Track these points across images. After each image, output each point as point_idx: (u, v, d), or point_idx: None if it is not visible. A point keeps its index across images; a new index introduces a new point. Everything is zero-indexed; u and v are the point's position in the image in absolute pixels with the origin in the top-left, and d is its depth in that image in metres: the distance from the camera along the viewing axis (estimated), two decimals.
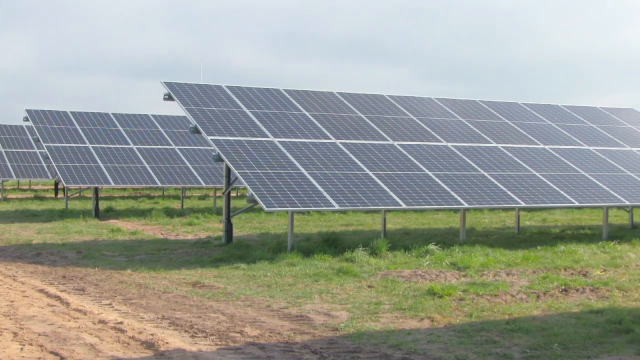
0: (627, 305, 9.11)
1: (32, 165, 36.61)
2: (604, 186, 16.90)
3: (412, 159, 16.22)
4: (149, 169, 25.93)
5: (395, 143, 16.87)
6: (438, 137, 17.75)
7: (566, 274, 11.66)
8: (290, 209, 13.30)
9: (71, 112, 28.36)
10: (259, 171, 14.20)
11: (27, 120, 27.34)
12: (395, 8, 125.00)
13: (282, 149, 15.39)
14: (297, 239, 15.51)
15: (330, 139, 16.38)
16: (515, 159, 17.45)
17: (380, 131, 17.29)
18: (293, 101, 17.87)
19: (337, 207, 13.58)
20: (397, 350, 6.91)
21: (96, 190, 24.26)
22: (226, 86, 17.91)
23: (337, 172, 14.90)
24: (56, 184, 37.10)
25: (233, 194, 34.73)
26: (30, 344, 6.94)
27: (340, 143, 16.28)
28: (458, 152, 17.12)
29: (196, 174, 26.52)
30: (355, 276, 11.21)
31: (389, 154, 16.24)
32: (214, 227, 19.62)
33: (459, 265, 12.26)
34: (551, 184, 16.40)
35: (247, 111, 16.81)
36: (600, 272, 11.86)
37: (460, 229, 16.45)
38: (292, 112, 17.26)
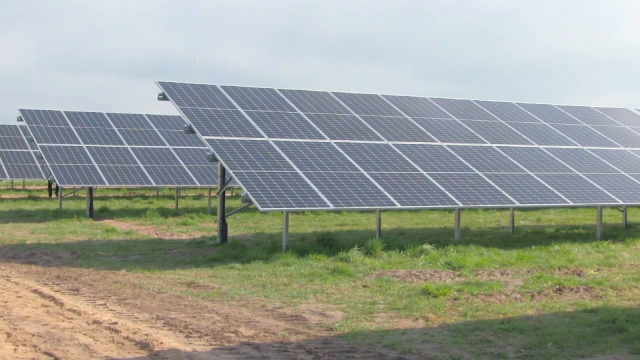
0: (621, 305, 9.14)
1: (26, 165, 36.53)
2: (598, 186, 16.94)
3: (407, 159, 16.23)
4: (143, 169, 25.90)
5: (390, 143, 16.89)
6: (433, 137, 17.77)
7: (560, 273, 11.69)
8: (285, 208, 13.30)
9: (65, 112, 28.30)
10: (253, 171, 14.19)
11: (21, 120, 27.28)
12: (391, 9, 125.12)
13: (277, 149, 15.39)
14: (292, 239, 15.50)
15: (325, 139, 16.38)
16: (510, 158, 17.47)
17: (375, 131, 17.30)
18: (288, 101, 17.87)
19: (332, 207, 13.58)
20: (391, 350, 6.92)
21: (90, 190, 24.20)
22: (221, 86, 17.89)
23: (332, 172, 14.90)
24: (50, 184, 37.01)
25: (228, 194, 34.68)
26: (24, 345, 6.92)
27: (335, 143, 16.29)
28: (453, 152, 17.13)
29: (191, 174, 26.49)
30: (350, 276, 11.21)
31: (384, 154, 16.25)
32: (208, 227, 19.60)
33: (454, 265, 12.28)
34: (546, 184, 16.43)
35: (242, 111, 16.81)
36: (594, 271, 11.89)
37: (455, 228, 16.47)
38: (287, 112, 17.26)
